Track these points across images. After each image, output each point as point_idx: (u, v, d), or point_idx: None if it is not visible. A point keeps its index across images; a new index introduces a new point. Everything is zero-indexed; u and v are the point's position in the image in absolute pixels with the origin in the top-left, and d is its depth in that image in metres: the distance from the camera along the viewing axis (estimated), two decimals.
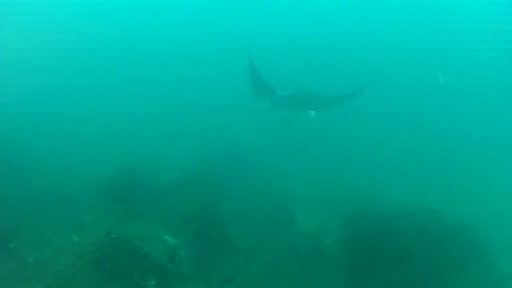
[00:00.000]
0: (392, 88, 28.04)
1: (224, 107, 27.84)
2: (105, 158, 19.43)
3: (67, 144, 21.42)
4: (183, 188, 16.75)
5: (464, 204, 17.33)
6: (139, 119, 25.21)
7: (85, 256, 11.30)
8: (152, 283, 11.14)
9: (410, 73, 31.23)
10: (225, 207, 17.48)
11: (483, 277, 13.91)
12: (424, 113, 28.34)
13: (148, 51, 37.93)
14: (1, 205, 14.82)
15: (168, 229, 14.02)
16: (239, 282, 13.65)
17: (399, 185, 19.78)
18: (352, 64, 31.34)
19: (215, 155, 21.48)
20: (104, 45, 37.62)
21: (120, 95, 29.74)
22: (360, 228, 14.81)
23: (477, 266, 13.50)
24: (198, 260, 13.75)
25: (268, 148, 23.35)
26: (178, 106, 28.29)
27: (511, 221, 16.94)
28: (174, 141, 22.35)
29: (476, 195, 19.07)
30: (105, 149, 20.58)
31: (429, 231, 13.64)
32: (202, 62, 36.07)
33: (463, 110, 28.09)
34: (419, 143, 24.56)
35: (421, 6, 38.95)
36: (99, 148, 20.65)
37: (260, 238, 16.73)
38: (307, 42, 37.09)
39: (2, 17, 38.78)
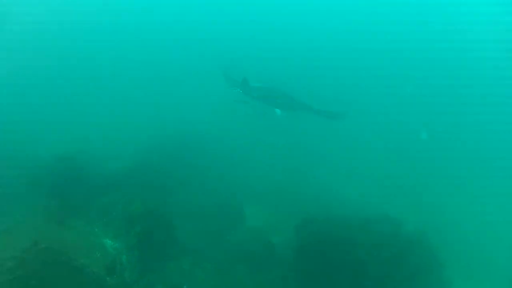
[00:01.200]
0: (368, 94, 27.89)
1: (183, 97, 26.17)
2: (41, 145, 17.42)
3: None
4: (126, 182, 15.38)
5: (420, 213, 17.20)
6: (87, 106, 22.86)
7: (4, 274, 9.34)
8: None
9: (409, 72, 30.55)
10: (173, 203, 16.40)
11: None
12: (394, 119, 27.44)
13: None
14: None
15: (108, 231, 12.67)
16: None
17: (359, 190, 19.38)
18: (335, 72, 30.13)
19: (165, 146, 20.04)
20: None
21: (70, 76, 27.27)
22: (315, 233, 14.07)
23: (430, 281, 13.30)
24: (141, 265, 12.37)
25: (225, 141, 22.11)
26: (133, 95, 26.02)
27: (466, 231, 17.07)
28: (122, 130, 20.46)
29: (432, 204, 18.94)
30: (42, 134, 18.44)
31: (385, 243, 13.17)
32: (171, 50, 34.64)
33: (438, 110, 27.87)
34: (383, 149, 24.03)
35: (421, 6, 38.34)
36: (35, 133, 18.44)
37: (208, 238, 15.73)
38: (293, 43, 35.84)
39: None
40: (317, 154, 22.62)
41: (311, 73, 29.57)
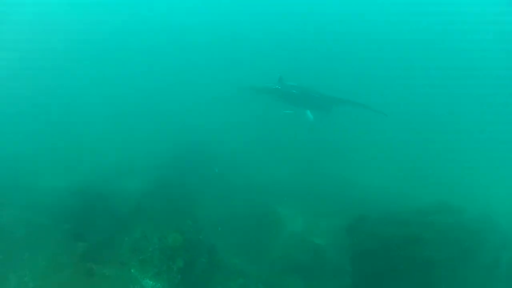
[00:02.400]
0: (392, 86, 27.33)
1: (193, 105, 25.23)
2: (48, 177, 16.16)
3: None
4: (155, 208, 13.81)
5: (481, 199, 15.88)
6: (92, 129, 21.22)
7: None
8: None
9: (410, 73, 30.17)
10: (207, 224, 15.10)
11: None
12: (424, 111, 27.16)
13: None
14: None
15: (146, 270, 11.16)
16: None
17: (406, 183, 18.12)
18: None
19: (184, 159, 18.76)
20: None
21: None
22: (368, 233, 12.75)
23: None
24: None
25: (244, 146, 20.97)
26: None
27: None
28: (135, 147, 19.21)
29: (485, 187, 17.72)
30: (45, 165, 17.17)
31: (450, 235, 11.90)
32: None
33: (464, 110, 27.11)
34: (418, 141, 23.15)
35: (421, 6, 37.67)
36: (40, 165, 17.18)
37: (252, 253, 14.41)
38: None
39: None
40: (352, 151, 21.71)
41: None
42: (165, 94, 27.24)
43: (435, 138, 23.59)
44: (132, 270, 11.23)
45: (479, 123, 25.35)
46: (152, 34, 38.49)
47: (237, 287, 12.30)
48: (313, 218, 16.82)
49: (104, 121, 22.61)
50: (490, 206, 14.28)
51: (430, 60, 32.84)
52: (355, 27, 37.78)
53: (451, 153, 21.47)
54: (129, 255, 11.45)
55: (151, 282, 11.00)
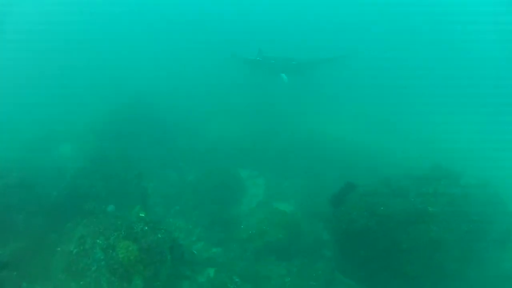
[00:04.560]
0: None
1: None
2: None
3: None
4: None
5: (477, 163, 14.03)
6: None
7: None
8: None
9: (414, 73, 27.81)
10: (158, 204, 13.07)
11: None
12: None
13: None
14: None
15: None
16: None
17: (390, 141, 16.23)
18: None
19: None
20: None
21: None
22: (357, 208, 10.56)
23: None
24: None
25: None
26: None
27: None
28: None
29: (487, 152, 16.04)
30: None
31: (457, 209, 9.96)
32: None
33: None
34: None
35: (421, 6, 36.11)
36: None
37: (216, 234, 12.20)
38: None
39: None
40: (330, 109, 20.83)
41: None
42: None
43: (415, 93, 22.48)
44: None
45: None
46: None
47: (207, 281, 9.93)
48: (287, 185, 14.67)
49: None
50: (488, 170, 12.63)
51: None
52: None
53: (436, 113, 19.90)
54: (64, 278, 8.27)
55: None
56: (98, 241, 7.90)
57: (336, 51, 21.17)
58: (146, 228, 8.29)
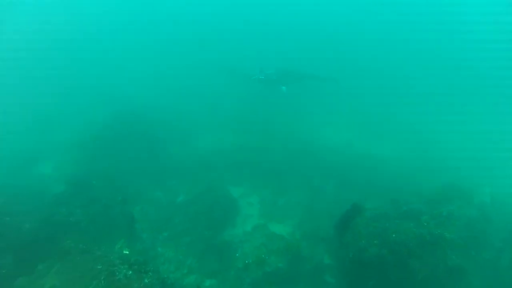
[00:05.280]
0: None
1: None
2: None
3: None
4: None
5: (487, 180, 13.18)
6: None
7: None
8: None
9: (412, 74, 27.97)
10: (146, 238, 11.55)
11: None
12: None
13: None
14: None
15: None
16: None
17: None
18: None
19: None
20: None
21: None
22: (364, 232, 9.59)
23: None
24: None
25: None
26: None
27: None
28: None
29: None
30: None
31: (478, 235, 9.02)
32: None
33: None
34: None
35: (421, 6, 36.08)
36: None
37: (209, 262, 11.05)
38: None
39: None
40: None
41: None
42: None
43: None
44: None
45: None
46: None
47: None
48: (283, 203, 13.62)
49: None
50: (500, 187, 11.71)
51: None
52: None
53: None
54: None
55: None
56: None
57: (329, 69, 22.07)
58: (131, 272, 7.13)
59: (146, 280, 7.10)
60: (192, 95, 23.05)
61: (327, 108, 21.74)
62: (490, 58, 28.28)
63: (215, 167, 16.38)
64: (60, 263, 7.50)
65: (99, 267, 7.23)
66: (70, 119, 20.01)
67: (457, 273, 8.35)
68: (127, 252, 8.67)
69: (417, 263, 8.54)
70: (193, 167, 16.36)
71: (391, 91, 22.91)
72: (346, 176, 15.39)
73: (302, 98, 21.98)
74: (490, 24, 32.70)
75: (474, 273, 8.32)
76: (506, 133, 17.93)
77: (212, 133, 18.76)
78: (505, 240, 8.77)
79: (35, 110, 20.60)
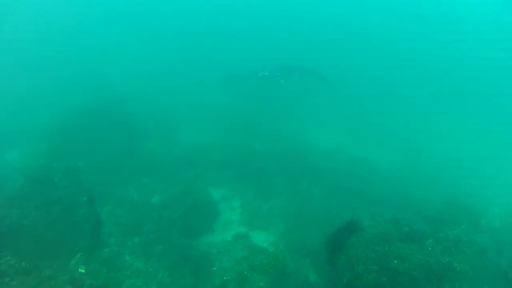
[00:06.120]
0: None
1: None
2: None
3: None
4: None
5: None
6: None
7: None
8: None
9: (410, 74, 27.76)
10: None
11: None
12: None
13: None
14: None
15: None
16: None
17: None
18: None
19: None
20: None
21: None
22: (363, 259, 8.37)
23: None
24: None
25: None
26: None
27: None
28: None
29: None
30: None
31: (489, 265, 7.90)
32: None
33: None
34: None
35: (422, 6, 35.38)
36: None
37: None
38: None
39: None
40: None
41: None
42: None
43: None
44: None
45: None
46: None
47: None
48: (268, 208, 12.41)
49: None
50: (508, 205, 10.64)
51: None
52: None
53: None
54: None
55: None
56: None
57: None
58: None
59: None
60: (178, 88, 21.71)
61: (318, 109, 20.82)
62: (491, 65, 27.64)
63: (195, 165, 15.08)
64: None
65: None
66: (47, 103, 18.43)
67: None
68: (83, 271, 7.28)
69: None
70: (172, 163, 15.02)
71: (387, 95, 22.02)
72: (336, 182, 14.31)
73: (291, 98, 21.20)
74: (491, 32, 32.26)
75: None
76: None
77: (195, 128, 17.46)
78: None
79: (12, 93, 18.98)
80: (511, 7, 31.68)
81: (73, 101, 17.85)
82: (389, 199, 11.30)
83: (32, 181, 10.47)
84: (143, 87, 20.99)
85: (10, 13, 28.52)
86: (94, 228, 10.06)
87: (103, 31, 31.97)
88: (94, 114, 16.26)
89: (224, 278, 9.42)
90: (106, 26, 33.36)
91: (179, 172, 14.40)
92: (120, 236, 10.91)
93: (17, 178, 11.30)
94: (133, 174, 14.01)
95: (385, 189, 12.49)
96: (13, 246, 7.57)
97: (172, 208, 11.96)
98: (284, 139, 17.26)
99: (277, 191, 14.31)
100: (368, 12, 36.54)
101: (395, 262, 7.66)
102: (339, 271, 8.25)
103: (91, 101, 17.32)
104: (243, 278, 9.34)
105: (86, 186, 10.95)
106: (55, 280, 6.44)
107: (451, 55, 29.18)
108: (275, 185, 14.56)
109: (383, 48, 31.19)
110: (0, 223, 8.52)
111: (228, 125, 17.88)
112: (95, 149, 14.37)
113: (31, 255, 7.35)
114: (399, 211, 9.49)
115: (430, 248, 8.00)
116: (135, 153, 15.11)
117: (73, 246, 8.46)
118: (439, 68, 27.87)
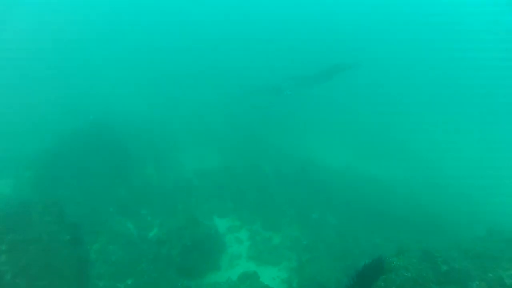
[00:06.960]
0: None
1: None
2: None
3: None
4: None
5: None
6: None
7: None
8: None
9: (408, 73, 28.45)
10: None
11: None
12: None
13: None
14: None
15: None
16: None
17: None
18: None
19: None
20: None
21: None
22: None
23: None
24: None
25: None
26: None
27: None
28: None
29: None
30: None
31: None
32: None
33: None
34: None
35: (422, 6, 35.69)
36: None
37: None
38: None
39: None
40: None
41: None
42: None
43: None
44: None
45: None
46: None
47: None
48: (279, 240, 10.97)
49: None
50: None
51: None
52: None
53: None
54: None
55: None
56: None
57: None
58: None
59: None
60: (175, 108, 20.46)
61: (324, 124, 19.69)
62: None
63: (197, 192, 13.73)
64: None
65: None
66: (37, 128, 17.11)
67: None
68: None
69: None
70: (172, 190, 13.68)
71: (391, 105, 20.84)
72: (349, 205, 12.95)
73: (296, 115, 20.44)
74: (494, 42, 31.12)
75: None
76: None
77: (194, 151, 16.19)
78: None
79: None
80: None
81: (63, 127, 16.42)
82: (410, 223, 9.85)
83: (5, 218, 9.12)
84: (138, 110, 19.72)
85: None
86: (80, 270, 8.71)
87: (96, 52, 30.82)
88: (86, 141, 14.76)
89: None
90: (99, 46, 32.32)
91: (179, 201, 13.04)
92: (111, 278, 9.57)
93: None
94: (129, 204, 12.68)
95: (404, 211, 11.03)
96: None
97: (171, 243, 10.58)
98: (291, 158, 16.00)
99: (288, 219, 12.88)
100: (368, 14, 36.72)
101: None
102: None
103: (83, 127, 15.87)
104: None
105: (72, 221, 9.59)
106: None
107: (463, 64, 28.32)
108: (285, 212, 13.15)
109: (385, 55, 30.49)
110: None
111: (231, 146, 16.67)
112: (86, 179, 13.00)
113: None
114: (426, 240, 8.02)
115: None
116: (130, 182, 13.74)
117: None
118: (448, 74, 26.99)
